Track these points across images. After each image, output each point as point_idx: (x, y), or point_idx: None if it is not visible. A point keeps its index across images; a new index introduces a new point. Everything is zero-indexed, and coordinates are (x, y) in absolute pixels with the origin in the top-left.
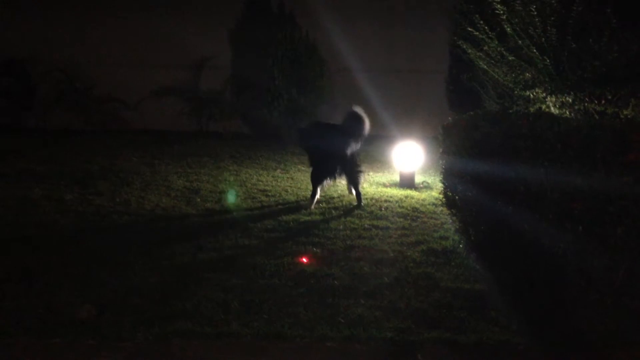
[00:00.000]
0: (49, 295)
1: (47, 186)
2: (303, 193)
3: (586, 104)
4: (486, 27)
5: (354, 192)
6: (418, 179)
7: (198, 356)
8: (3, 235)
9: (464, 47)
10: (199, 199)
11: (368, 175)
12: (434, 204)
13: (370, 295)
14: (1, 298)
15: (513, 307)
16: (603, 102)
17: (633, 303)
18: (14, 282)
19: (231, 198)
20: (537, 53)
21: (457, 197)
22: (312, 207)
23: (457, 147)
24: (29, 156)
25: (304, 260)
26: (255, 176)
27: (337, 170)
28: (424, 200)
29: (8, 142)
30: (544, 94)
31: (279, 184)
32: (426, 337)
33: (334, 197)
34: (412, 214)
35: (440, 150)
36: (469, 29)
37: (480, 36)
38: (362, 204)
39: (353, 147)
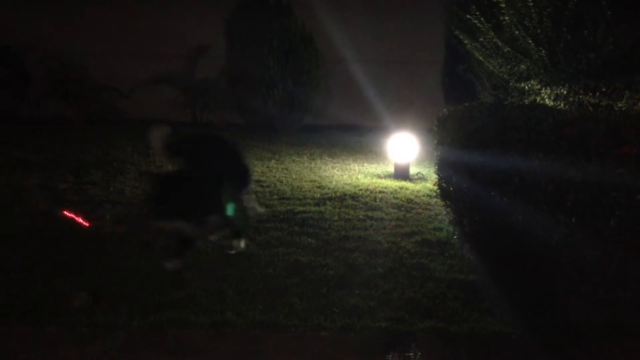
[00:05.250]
0: (43, 284)
1: (42, 175)
2: (297, 184)
3: (581, 96)
4: (482, 18)
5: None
6: (413, 170)
7: (193, 345)
8: None
9: (460, 37)
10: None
11: (362, 166)
12: (428, 195)
13: (364, 285)
14: None
15: (506, 298)
16: (597, 94)
17: (625, 294)
18: (9, 271)
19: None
20: (532, 44)
21: (451, 189)
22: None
23: (452, 139)
24: (23, 146)
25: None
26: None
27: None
28: (418, 191)
29: (1, 131)
30: (539, 86)
31: (273, 174)
32: (420, 327)
33: (329, 188)
34: (407, 205)
35: (435, 141)
36: (467, 17)
37: (478, 25)
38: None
39: None
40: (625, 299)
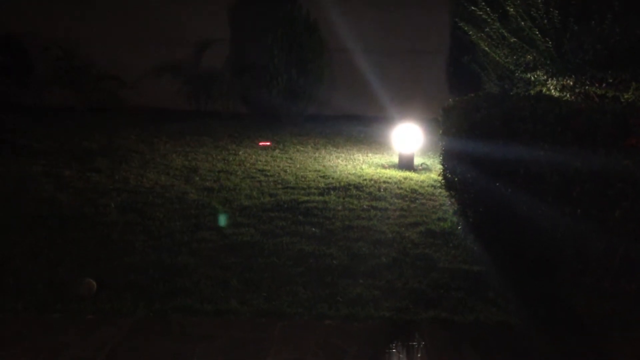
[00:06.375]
0: (49, 272)
1: (46, 163)
2: (302, 173)
3: (587, 87)
4: (488, 9)
5: None
6: (417, 160)
7: (197, 332)
8: (3, 211)
9: (466, 28)
10: (197, 178)
11: (367, 156)
12: (432, 185)
13: (368, 275)
14: (1, 274)
15: (511, 289)
16: (604, 85)
17: (630, 286)
18: (14, 258)
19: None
20: (539, 35)
21: (456, 179)
22: None
23: (457, 129)
24: (27, 133)
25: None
26: (254, 156)
27: None
28: (422, 181)
29: (5, 119)
30: (545, 77)
31: (277, 163)
32: (424, 317)
33: (333, 177)
34: (411, 196)
35: (440, 131)
36: (473, 8)
37: (483, 16)
38: None
39: None
40: (629, 291)
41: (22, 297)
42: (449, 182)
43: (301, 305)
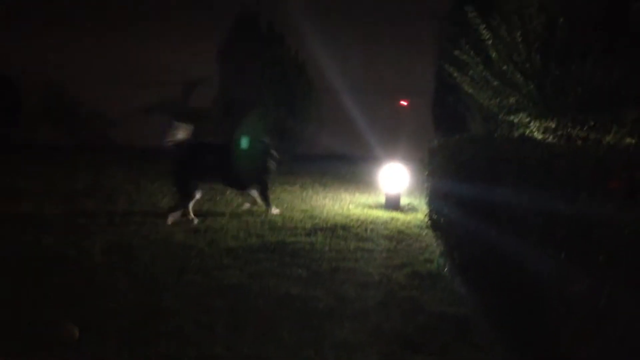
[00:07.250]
0: (30, 316)
1: (32, 203)
2: (289, 213)
3: (569, 130)
4: (472, 52)
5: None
6: (403, 200)
7: None
8: None
9: (450, 71)
10: (183, 219)
11: (353, 196)
12: (419, 226)
13: (355, 318)
14: None
15: (497, 332)
16: (586, 128)
17: (615, 332)
18: None
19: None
20: (521, 78)
21: (442, 220)
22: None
23: (442, 170)
24: (15, 172)
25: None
26: (240, 196)
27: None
28: (409, 222)
29: None
30: (528, 119)
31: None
32: None
33: (320, 218)
34: (398, 236)
35: (426, 172)
36: (457, 51)
37: (467, 59)
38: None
39: None
40: (614, 336)
41: (2, 342)
42: (435, 223)
43: (286, 351)
